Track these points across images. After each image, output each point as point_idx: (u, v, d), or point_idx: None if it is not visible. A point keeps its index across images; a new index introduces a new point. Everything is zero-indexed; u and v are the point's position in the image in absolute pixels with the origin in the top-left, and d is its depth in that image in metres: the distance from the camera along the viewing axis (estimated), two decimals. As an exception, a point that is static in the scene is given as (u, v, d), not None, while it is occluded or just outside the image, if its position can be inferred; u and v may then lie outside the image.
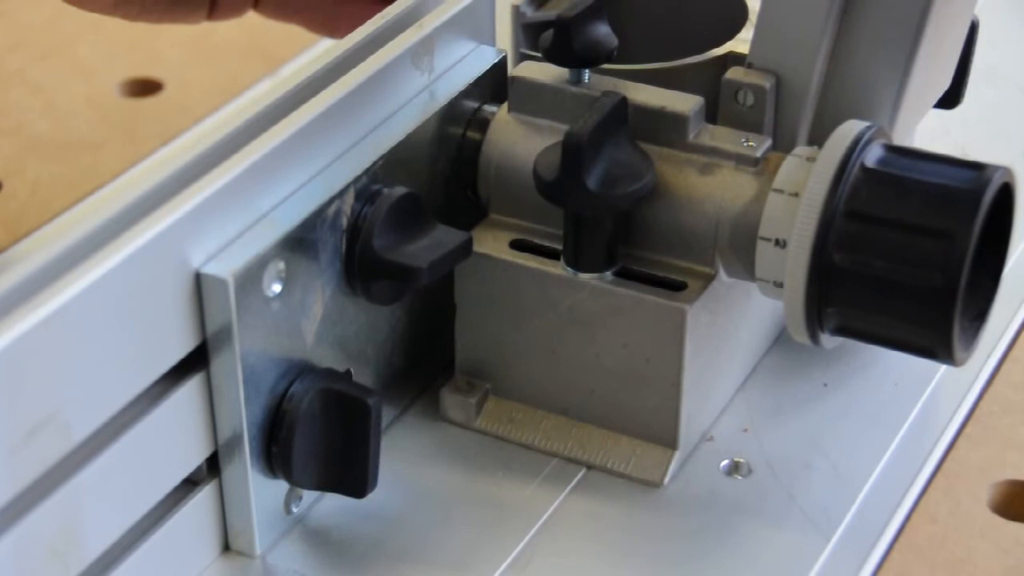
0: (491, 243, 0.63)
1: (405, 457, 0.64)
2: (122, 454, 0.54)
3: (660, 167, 0.61)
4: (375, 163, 0.60)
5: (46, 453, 0.51)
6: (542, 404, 0.65)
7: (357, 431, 0.58)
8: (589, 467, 0.64)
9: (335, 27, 0.74)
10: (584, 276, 0.62)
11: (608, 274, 0.62)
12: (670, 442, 0.63)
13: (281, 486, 0.59)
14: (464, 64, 0.66)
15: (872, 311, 0.58)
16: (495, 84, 0.66)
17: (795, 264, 0.58)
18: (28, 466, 0.50)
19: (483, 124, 0.65)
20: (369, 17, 0.62)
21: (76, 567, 0.53)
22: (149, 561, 0.56)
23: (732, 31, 0.68)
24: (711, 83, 0.64)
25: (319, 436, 0.58)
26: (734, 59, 0.66)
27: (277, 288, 0.56)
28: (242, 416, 0.56)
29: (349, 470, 0.59)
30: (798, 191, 0.59)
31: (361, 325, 0.62)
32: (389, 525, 0.61)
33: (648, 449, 0.63)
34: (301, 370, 0.58)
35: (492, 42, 0.67)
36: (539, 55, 0.63)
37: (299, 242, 0.57)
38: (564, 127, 0.60)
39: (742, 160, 0.61)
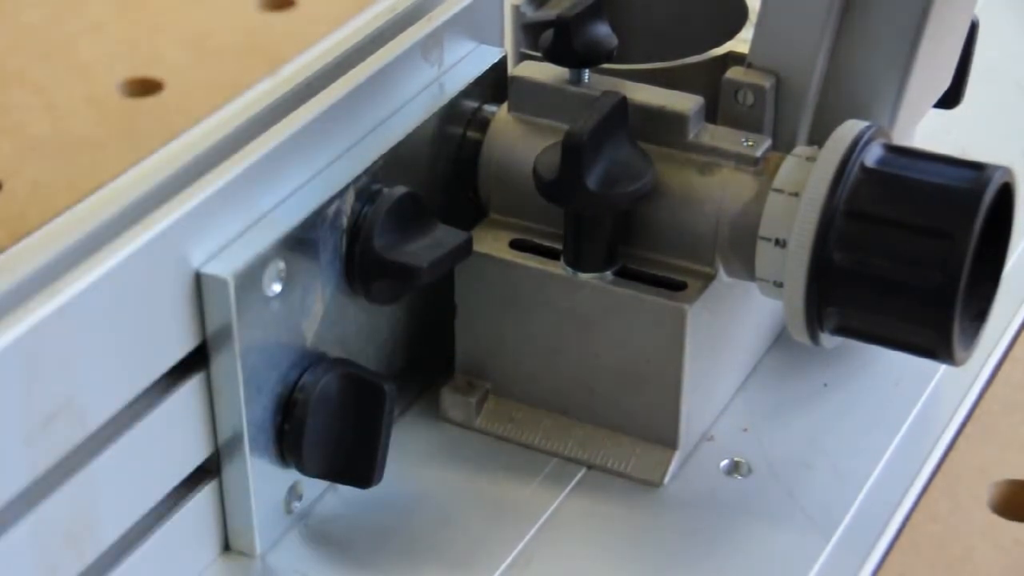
0: (491, 243, 0.63)
1: (405, 457, 0.64)
2: (121, 454, 0.54)
3: (660, 167, 0.61)
4: (375, 163, 0.60)
5: (46, 451, 0.51)
6: (542, 404, 0.65)
7: (370, 417, 0.58)
8: (589, 467, 0.64)
9: None
10: (584, 276, 0.62)
11: (608, 274, 0.62)
12: (670, 442, 0.63)
13: (282, 485, 0.60)
14: (465, 63, 0.66)
15: (872, 311, 0.58)
16: (495, 84, 0.66)
17: (795, 264, 0.58)
18: (35, 459, 0.51)
19: (483, 124, 0.65)
20: None
21: (91, 556, 0.54)
22: (149, 561, 0.56)
23: (732, 31, 0.68)
24: (711, 83, 0.64)
25: (332, 421, 0.59)
26: (734, 59, 0.66)
27: (277, 288, 0.56)
28: (242, 416, 0.56)
29: (358, 458, 0.59)
30: (798, 191, 0.59)
31: (361, 325, 0.62)
32: (389, 525, 0.61)
33: (648, 449, 0.63)
34: (311, 361, 0.58)
35: (499, 41, 0.67)
36: (539, 55, 0.63)
37: (299, 242, 0.57)
38: (564, 127, 0.60)
39: (742, 160, 0.61)
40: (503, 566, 0.59)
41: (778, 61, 0.63)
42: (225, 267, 0.55)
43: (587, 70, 0.63)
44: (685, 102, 0.62)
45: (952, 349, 0.58)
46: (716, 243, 0.61)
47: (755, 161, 0.61)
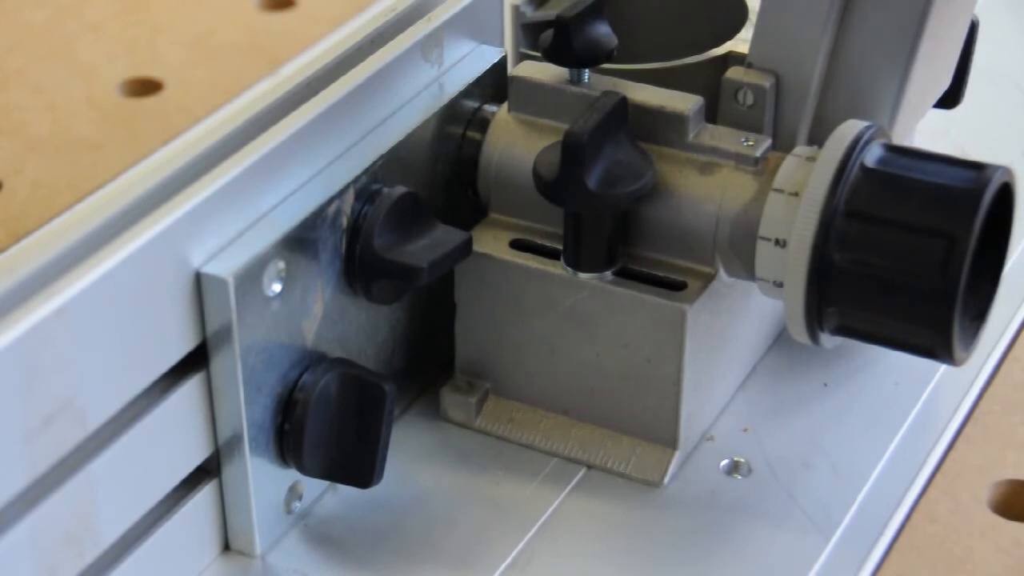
0: (491, 243, 0.63)
1: (405, 457, 0.64)
2: (121, 454, 0.54)
3: (660, 167, 0.61)
4: (375, 162, 0.60)
5: (46, 451, 0.51)
6: (542, 404, 0.65)
7: (370, 417, 0.58)
8: (589, 467, 0.64)
9: None
10: (584, 276, 0.62)
11: (608, 274, 0.62)
12: (670, 442, 0.63)
13: (282, 485, 0.60)
14: (465, 63, 0.66)
15: (872, 311, 0.58)
16: (495, 84, 0.66)
17: (795, 264, 0.58)
18: (35, 459, 0.51)
19: (483, 124, 0.65)
20: None
21: (90, 556, 0.54)
22: (149, 560, 0.56)
23: (732, 31, 0.68)
24: (711, 83, 0.64)
25: (332, 420, 0.59)
26: (734, 59, 0.66)
27: (277, 288, 0.56)
28: (242, 416, 0.56)
29: (358, 458, 0.59)
30: (798, 191, 0.59)
31: (361, 325, 0.62)
32: (389, 525, 0.61)
33: (648, 449, 0.63)
34: (311, 360, 0.58)
35: (499, 40, 0.67)
36: (539, 55, 0.63)
37: (299, 242, 0.57)
38: (564, 127, 0.60)
39: (742, 160, 0.61)
40: (503, 566, 0.59)
41: (778, 61, 0.63)
42: (225, 267, 0.55)
43: (587, 70, 0.63)
44: (685, 102, 0.62)
45: (952, 349, 0.58)
46: (716, 243, 0.61)
47: (755, 161, 0.61)
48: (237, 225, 0.56)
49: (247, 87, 0.85)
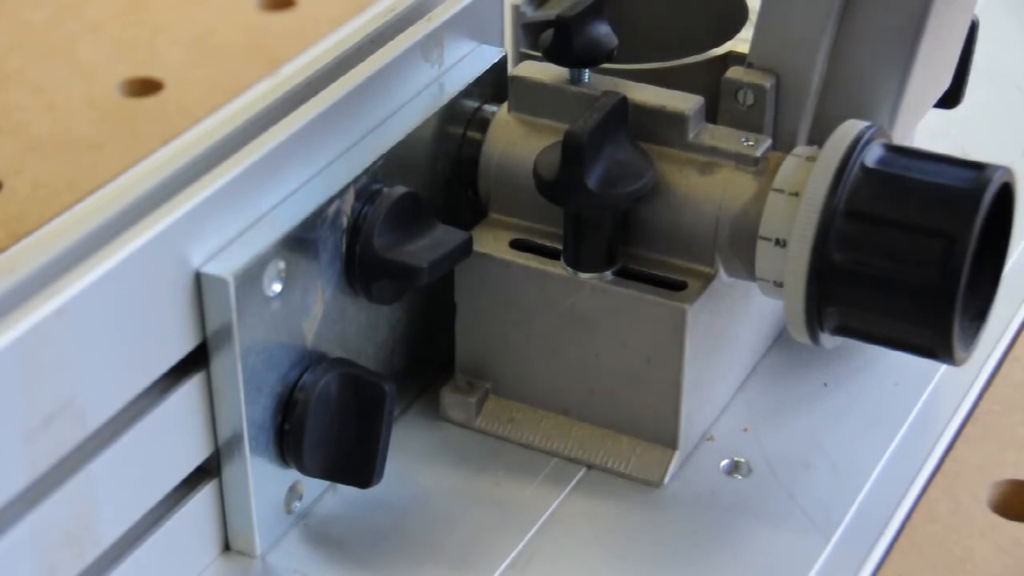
0: (491, 243, 0.63)
1: (405, 457, 0.64)
2: (121, 454, 0.54)
3: (660, 167, 0.61)
4: (375, 162, 0.60)
5: (46, 451, 0.51)
6: (542, 404, 0.65)
7: (370, 417, 0.58)
8: (589, 467, 0.64)
9: None
10: (584, 276, 0.62)
11: (608, 274, 0.62)
12: (670, 442, 0.63)
13: (282, 485, 0.60)
14: (465, 63, 0.66)
15: (872, 311, 0.58)
16: (495, 84, 0.66)
17: (795, 264, 0.58)
18: (35, 459, 0.51)
19: (483, 124, 0.65)
20: None
21: (90, 556, 0.54)
22: (149, 560, 0.56)
23: (732, 31, 0.68)
24: (711, 83, 0.64)
25: (332, 420, 0.59)
26: (734, 59, 0.66)
27: (277, 288, 0.56)
28: (242, 415, 0.56)
29: (357, 458, 0.59)
30: (798, 191, 0.59)
31: (361, 325, 0.62)
32: (389, 525, 0.61)
33: (648, 449, 0.63)
34: (311, 360, 0.58)
35: (499, 41, 0.67)
36: (539, 55, 0.63)
37: (299, 242, 0.57)
38: (564, 127, 0.60)
39: (742, 160, 0.61)
40: (503, 566, 0.59)
41: (778, 61, 0.63)
42: (225, 267, 0.55)
43: (587, 70, 0.63)
44: (685, 102, 0.62)
45: (952, 349, 0.58)
46: (716, 243, 0.61)
47: (755, 161, 0.61)
48: (237, 225, 0.56)
49: (247, 87, 0.85)
